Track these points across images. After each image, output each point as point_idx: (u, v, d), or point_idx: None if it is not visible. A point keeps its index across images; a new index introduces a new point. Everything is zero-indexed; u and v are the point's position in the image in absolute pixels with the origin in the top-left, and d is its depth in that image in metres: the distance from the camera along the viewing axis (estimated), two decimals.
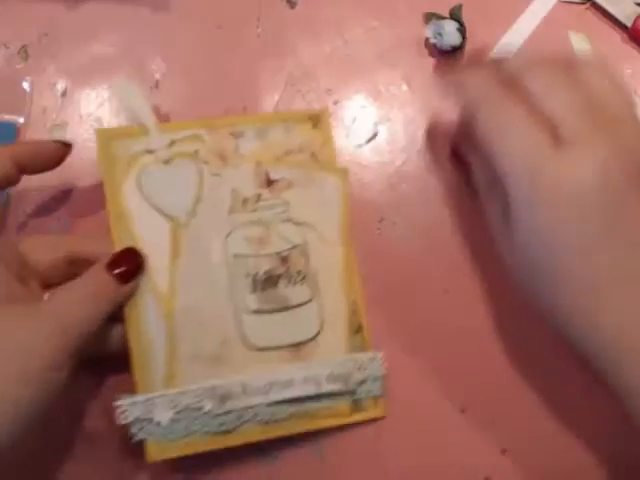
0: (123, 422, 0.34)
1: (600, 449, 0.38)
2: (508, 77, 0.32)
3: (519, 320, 0.39)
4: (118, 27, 0.42)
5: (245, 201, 0.37)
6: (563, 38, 0.43)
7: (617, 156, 0.28)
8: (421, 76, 0.42)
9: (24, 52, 0.42)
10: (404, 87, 0.42)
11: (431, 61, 0.42)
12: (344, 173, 0.39)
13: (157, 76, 0.42)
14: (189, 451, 0.35)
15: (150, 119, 0.38)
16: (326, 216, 0.39)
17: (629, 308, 0.29)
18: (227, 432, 0.36)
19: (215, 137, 0.38)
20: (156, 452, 0.35)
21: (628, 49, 0.43)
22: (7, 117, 0.41)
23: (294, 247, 0.38)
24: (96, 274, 0.33)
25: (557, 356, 0.38)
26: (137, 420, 0.34)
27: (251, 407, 0.36)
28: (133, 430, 0.34)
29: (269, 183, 0.38)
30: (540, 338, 0.39)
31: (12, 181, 0.35)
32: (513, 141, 0.29)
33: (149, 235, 0.36)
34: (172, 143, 0.37)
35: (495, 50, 0.42)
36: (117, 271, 0.34)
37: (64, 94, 0.42)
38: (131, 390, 0.35)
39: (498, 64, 0.33)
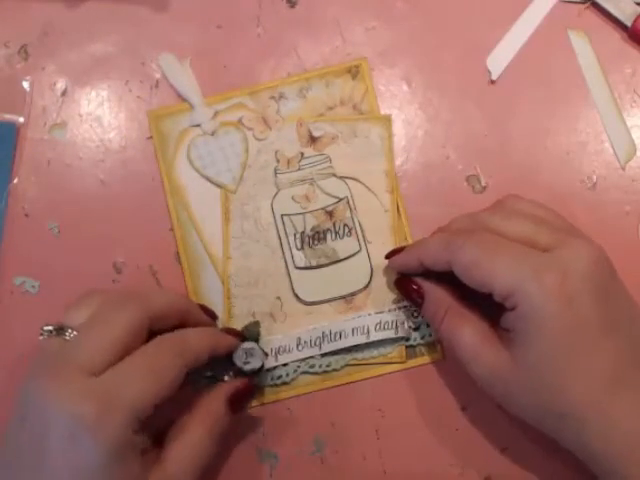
0: (188, 380, 0.35)
1: None
2: (464, 228, 0.35)
3: None
4: (118, 27, 0.42)
5: (289, 161, 0.40)
6: (563, 38, 0.43)
7: (596, 249, 0.31)
8: (421, 76, 0.42)
9: (24, 52, 0.42)
10: (404, 87, 0.42)
11: (432, 61, 0.42)
12: (388, 121, 0.41)
13: (157, 76, 0.42)
14: (251, 404, 0.38)
15: (195, 94, 0.40)
16: (371, 166, 0.40)
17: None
18: (285, 384, 0.38)
19: (256, 103, 0.41)
20: None
21: (628, 49, 0.43)
22: (7, 117, 0.41)
23: (339, 201, 0.40)
24: (215, 411, 0.34)
25: None
26: (202, 377, 0.37)
27: (305, 359, 0.38)
28: (198, 386, 0.37)
29: (312, 140, 0.40)
30: None
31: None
32: (509, 260, 0.31)
33: (202, 204, 0.40)
34: (216, 114, 0.41)
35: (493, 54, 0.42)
36: (234, 404, 0.35)
37: (64, 94, 0.42)
38: None
39: (449, 227, 0.36)
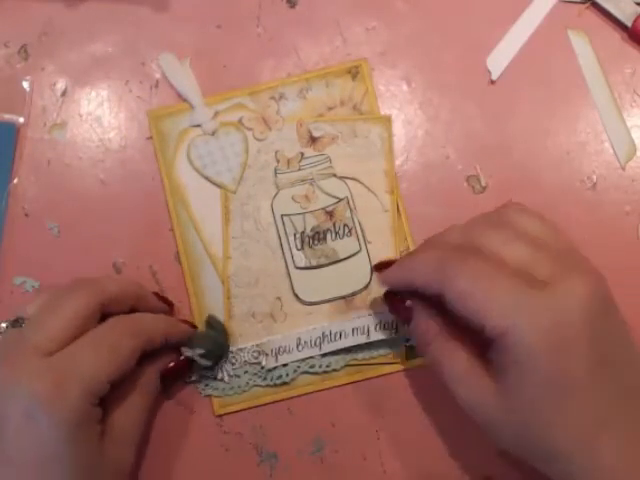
0: (188, 380, 0.38)
1: None
2: (460, 246, 0.32)
3: None
4: (118, 27, 0.42)
5: (289, 161, 0.40)
6: (563, 38, 0.43)
7: (593, 284, 0.30)
8: (421, 76, 0.42)
9: (24, 52, 0.42)
10: (404, 87, 0.42)
11: (432, 61, 0.42)
12: (388, 121, 0.41)
13: (157, 76, 0.42)
14: (251, 404, 0.39)
15: (195, 94, 0.41)
16: (371, 166, 0.40)
17: (628, 449, 0.29)
18: (285, 384, 0.38)
19: (256, 103, 0.41)
20: (222, 406, 0.38)
21: (628, 49, 0.43)
22: (7, 117, 0.41)
23: (339, 201, 0.40)
24: (152, 388, 0.36)
25: None
26: (202, 377, 0.38)
27: (305, 359, 0.38)
28: (199, 387, 0.38)
29: (312, 140, 0.40)
30: None
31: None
32: (504, 297, 0.29)
33: (202, 204, 0.40)
34: (216, 114, 0.41)
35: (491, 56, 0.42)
36: (166, 381, 0.37)
37: (64, 94, 0.42)
38: None
39: (444, 240, 0.33)
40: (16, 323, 0.33)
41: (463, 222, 0.34)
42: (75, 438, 0.30)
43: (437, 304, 0.33)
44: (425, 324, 0.34)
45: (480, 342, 0.32)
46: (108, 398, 0.33)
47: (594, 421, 0.29)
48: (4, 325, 0.34)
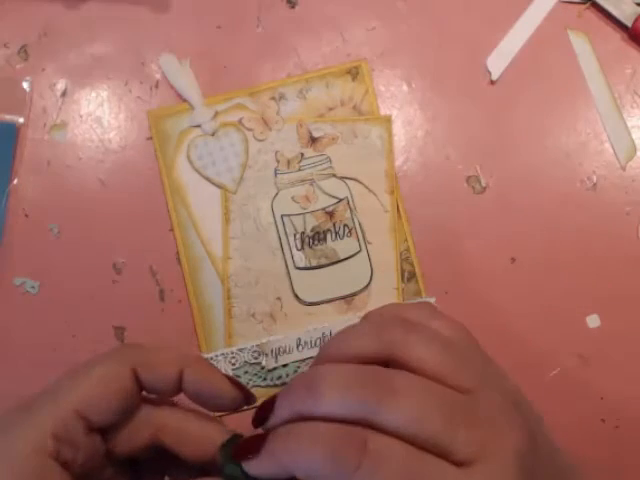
0: None
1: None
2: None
3: (516, 319, 0.39)
4: (118, 27, 0.42)
5: (289, 162, 0.40)
6: (563, 38, 0.43)
7: (518, 443, 0.24)
8: (421, 76, 0.42)
9: (24, 52, 0.42)
10: (404, 87, 0.42)
11: (432, 61, 0.42)
12: (388, 121, 0.41)
13: (157, 76, 0.42)
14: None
15: (195, 94, 0.41)
16: (371, 167, 0.41)
17: None
18: (285, 384, 0.37)
19: (257, 103, 0.41)
20: None
21: (628, 49, 0.43)
22: (7, 117, 0.41)
23: (339, 201, 0.40)
24: None
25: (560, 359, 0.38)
26: None
27: (305, 360, 0.38)
28: None
29: (312, 141, 0.40)
30: (539, 340, 0.39)
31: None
32: None
33: (202, 205, 0.40)
34: (216, 115, 0.41)
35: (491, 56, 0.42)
36: None
37: (64, 94, 0.42)
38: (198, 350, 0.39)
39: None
40: None
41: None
42: None
43: None
44: None
45: None
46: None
47: None
48: None
